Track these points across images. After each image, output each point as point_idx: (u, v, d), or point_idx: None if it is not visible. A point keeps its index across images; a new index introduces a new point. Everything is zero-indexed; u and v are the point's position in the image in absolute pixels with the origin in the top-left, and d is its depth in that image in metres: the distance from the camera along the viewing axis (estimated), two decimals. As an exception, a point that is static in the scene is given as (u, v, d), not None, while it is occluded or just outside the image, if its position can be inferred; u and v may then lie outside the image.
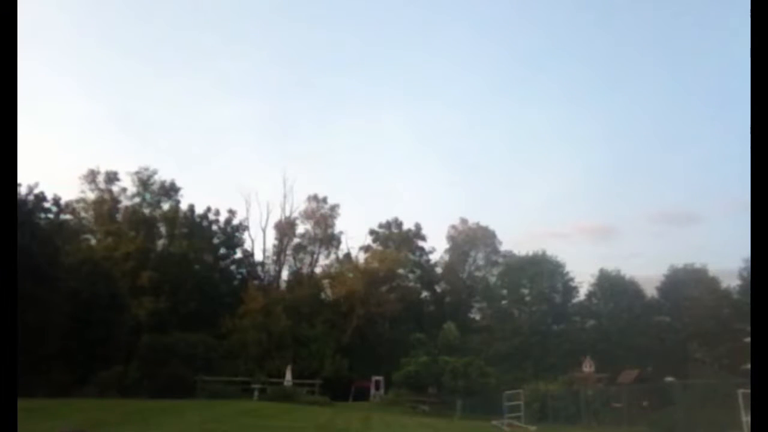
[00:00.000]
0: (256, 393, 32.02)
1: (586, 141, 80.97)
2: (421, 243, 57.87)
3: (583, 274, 52.35)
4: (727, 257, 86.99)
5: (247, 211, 59.75)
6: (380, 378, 40.37)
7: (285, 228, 53.00)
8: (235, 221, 51.95)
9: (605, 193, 79.19)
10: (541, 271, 49.37)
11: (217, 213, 51.24)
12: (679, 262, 48.25)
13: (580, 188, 78.84)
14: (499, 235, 58.31)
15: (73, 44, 77.23)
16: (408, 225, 57.95)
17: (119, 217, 48.28)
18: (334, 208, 54.87)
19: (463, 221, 59.63)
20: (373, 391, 40.02)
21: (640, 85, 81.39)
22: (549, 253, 51.04)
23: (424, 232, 57.88)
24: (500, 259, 57.43)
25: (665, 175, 78.13)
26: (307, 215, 54.18)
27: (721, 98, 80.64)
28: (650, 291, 48.89)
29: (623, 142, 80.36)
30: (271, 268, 53.87)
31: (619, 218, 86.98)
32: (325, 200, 54.74)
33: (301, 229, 54.36)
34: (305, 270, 54.23)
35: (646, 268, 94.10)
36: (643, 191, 76.86)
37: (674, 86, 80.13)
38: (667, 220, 77.28)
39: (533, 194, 78.38)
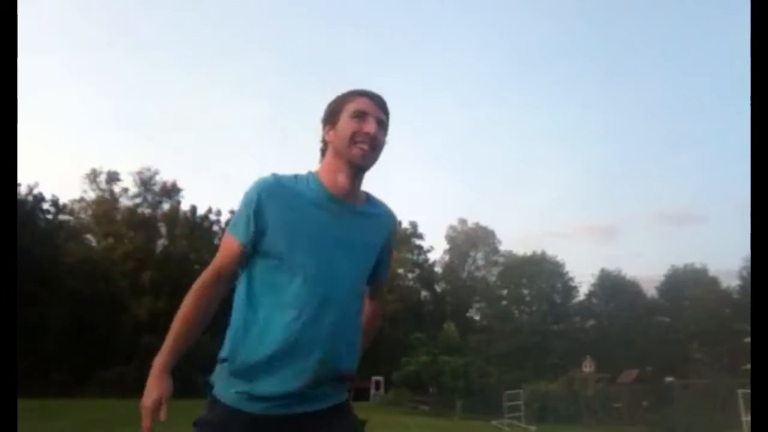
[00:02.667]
0: (256, 393, 31.97)
1: (586, 141, 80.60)
2: (418, 242, 57.85)
3: (583, 274, 52.59)
4: (727, 257, 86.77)
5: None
6: (380, 378, 40.34)
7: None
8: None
9: (606, 192, 78.89)
10: (541, 271, 49.43)
11: (219, 213, 51.20)
12: (680, 262, 48.51)
13: (580, 188, 78.61)
14: (499, 235, 58.35)
15: (75, 43, 77.07)
16: (404, 224, 57.87)
17: (119, 217, 48.30)
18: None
19: (463, 221, 59.62)
20: (372, 391, 40.00)
21: (641, 84, 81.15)
22: (549, 253, 51.17)
23: (421, 230, 57.83)
24: (500, 259, 57.40)
25: (666, 175, 77.84)
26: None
27: (721, 98, 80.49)
28: (650, 291, 49.06)
29: (624, 142, 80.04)
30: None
31: (620, 218, 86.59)
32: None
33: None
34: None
35: (647, 268, 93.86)
36: (644, 191, 76.56)
37: (676, 86, 79.82)
38: (667, 220, 77.18)
39: (533, 194, 78.14)
